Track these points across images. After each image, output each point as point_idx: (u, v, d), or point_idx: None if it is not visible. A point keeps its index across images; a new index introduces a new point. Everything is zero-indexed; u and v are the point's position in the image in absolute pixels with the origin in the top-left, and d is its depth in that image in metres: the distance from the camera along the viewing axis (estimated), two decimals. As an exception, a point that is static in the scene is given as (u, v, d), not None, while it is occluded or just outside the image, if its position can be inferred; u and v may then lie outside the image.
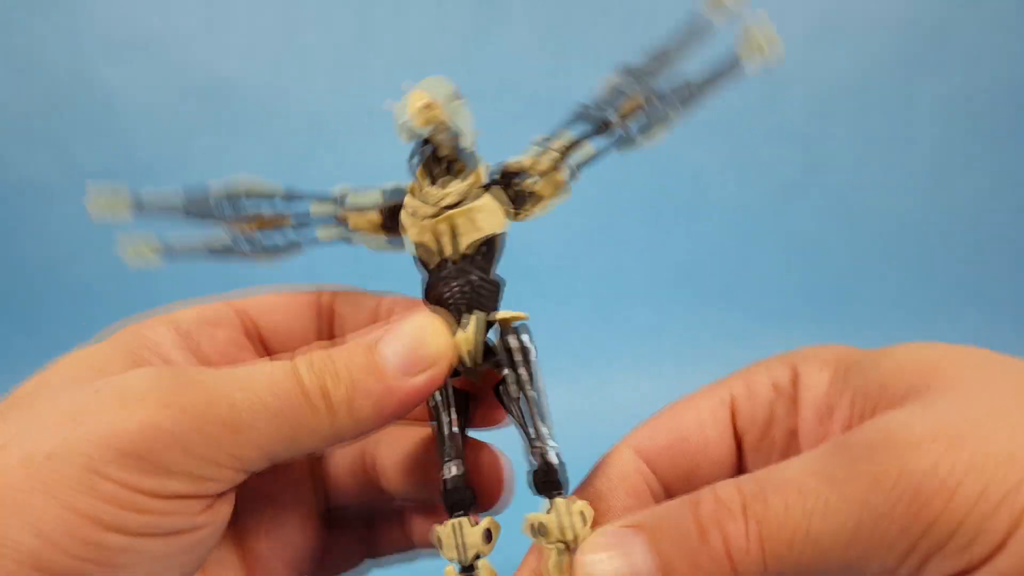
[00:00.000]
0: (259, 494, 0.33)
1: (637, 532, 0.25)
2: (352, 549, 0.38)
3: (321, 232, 0.34)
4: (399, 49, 0.90)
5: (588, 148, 0.32)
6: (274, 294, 0.36)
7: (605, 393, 0.87)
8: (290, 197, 0.33)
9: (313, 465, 0.37)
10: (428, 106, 0.30)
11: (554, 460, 0.30)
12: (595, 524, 0.30)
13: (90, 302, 0.90)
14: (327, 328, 0.36)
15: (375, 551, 0.39)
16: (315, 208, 0.33)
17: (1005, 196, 0.93)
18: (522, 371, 0.32)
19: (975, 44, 0.91)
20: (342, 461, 0.37)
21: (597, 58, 0.86)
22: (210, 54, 0.90)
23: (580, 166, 0.32)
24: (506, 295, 0.33)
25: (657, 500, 0.31)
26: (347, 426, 0.28)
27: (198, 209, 0.33)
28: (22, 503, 0.23)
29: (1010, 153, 0.92)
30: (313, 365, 0.28)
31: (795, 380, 0.30)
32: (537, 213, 0.33)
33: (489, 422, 0.35)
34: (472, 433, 0.35)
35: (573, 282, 0.90)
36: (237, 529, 0.32)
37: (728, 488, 0.23)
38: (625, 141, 0.32)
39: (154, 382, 0.26)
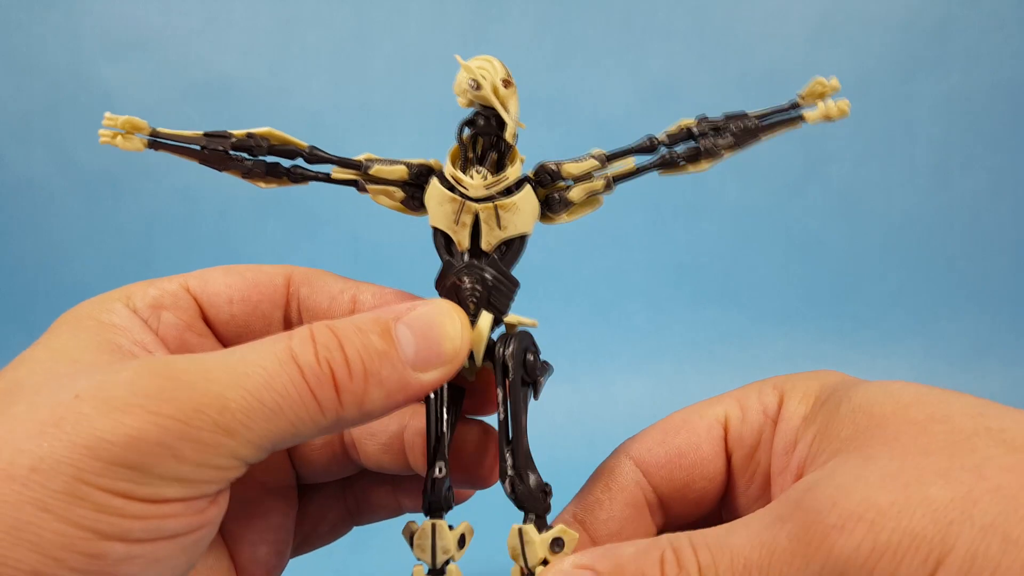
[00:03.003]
0: (238, 479, 0.32)
1: None
2: (339, 519, 0.38)
3: (336, 172, 0.33)
4: (398, 48, 0.89)
5: (628, 162, 0.31)
6: (234, 274, 0.34)
7: (604, 392, 0.87)
8: (313, 157, 0.33)
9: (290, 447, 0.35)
10: (478, 85, 0.28)
11: (521, 488, 0.30)
12: (591, 531, 0.31)
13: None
14: (296, 316, 0.34)
15: (361, 519, 0.38)
16: (336, 173, 0.33)
17: (1005, 196, 0.93)
18: (511, 390, 0.30)
19: (975, 44, 0.91)
20: (318, 440, 0.35)
21: (597, 58, 0.86)
22: (209, 53, 0.90)
23: (617, 179, 0.32)
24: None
25: (652, 509, 0.32)
26: (353, 417, 0.26)
27: (216, 154, 0.32)
28: (15, 519, 0.22)
29: (1010, 153, 0.92)
30: (317, 350, 0.26)
31: (780, 407, 0.31)
32: (565, 220, 0.32)
33: (482, 412, 0.35)
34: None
35: (573, 281, 0.90)
36: None
37: (687, 553, 0.25)
38: (668, 164, 0.31)
39: (137, 385, 0.24)
